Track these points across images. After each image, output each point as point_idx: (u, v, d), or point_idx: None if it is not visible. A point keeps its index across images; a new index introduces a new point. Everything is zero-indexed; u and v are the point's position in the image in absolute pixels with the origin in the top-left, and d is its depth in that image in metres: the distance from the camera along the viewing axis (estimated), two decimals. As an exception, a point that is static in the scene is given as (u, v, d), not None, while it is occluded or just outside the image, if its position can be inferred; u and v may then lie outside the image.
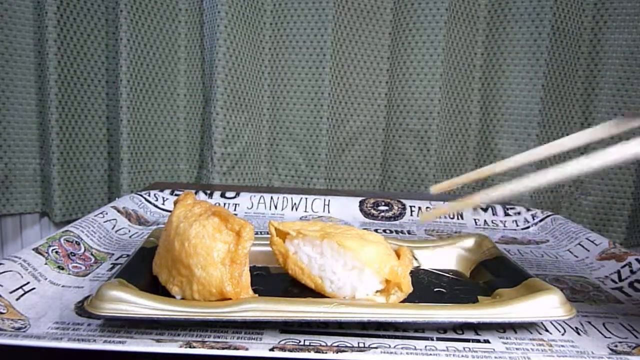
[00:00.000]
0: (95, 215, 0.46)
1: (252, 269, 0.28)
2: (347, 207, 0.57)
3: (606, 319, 0.31)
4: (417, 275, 0.36)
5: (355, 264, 0.30)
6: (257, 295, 0.28)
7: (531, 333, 0.28)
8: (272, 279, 0.34)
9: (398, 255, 0.31)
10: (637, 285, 0.36)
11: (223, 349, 0.23)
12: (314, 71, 0.83)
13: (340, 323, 0.28)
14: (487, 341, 0.27)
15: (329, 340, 0.27)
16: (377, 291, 0.30)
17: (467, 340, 0.27)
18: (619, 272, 0.38)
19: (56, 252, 0.36)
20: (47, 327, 0.27)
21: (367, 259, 0.29)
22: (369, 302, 0.29)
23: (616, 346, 0.27)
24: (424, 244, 0.39)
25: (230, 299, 0.27)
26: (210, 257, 0.27)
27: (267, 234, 0.48)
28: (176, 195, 0.57)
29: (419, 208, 0.58)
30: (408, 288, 0.30)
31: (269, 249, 0.36)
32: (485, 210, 0.57)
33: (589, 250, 0.44)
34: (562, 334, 0.29)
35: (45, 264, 0.34)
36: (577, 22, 0.82)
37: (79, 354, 0.23)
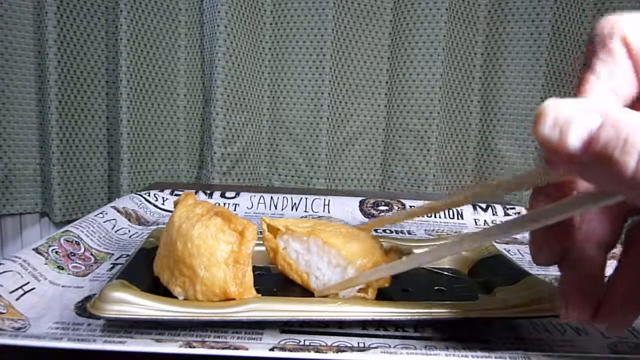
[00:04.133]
0: (95, 215, 0.46)
1: (253, 269, 0.28)
2: (347, 207, 0.57)
3: (606, 319, 0.31)
4: (416, 273, 0.36)
5: (339, 261, 0.29)
6: (259, 295, 0.28)
7: (531, 333, 0.28)
8: (273, 279, 0.34)
9: (387, 254, 0.31)
10: (637, 285, 0.36)
11: (223, 349, 0.23)
12: (314, 71, 0.83)
13: (340, 322, 0.28)
14: (487, 341, 0.27)
15: (329, 340, 0.27)
16: (360, 289, 0.30)
17: (467, 340, 0.27)
18: (619, 272, 0.38)
19: (56, 252, 0.36)
20: (47, 327, 0.27)
21: (350, 255, 0.29)
22: (356, 300, 0.29)
23: (616, 346, 0.27)
24: (423, 243, 0.39)
25: (233, 299, 0.27)
26: (214, 258, 0.27)
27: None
28: (176, 195, 0.57)
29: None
30: (383, 283, 0.30)
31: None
32: (485, 210, 0.57)
33: (589, 250, 0.44)
34: (562, 334, 0.29)
35: (45, 264, 0.34)
36: (577, 22, 0.82)
37: (79, 354, 0.23)
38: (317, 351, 0.23)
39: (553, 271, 0.40)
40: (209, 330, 0.27)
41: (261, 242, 0.36)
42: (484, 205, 0.58)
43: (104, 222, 0.45)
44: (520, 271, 0.32)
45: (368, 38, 0.84)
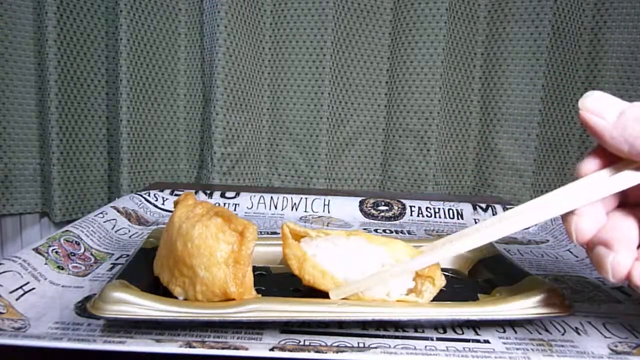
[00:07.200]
0: (95, 215, 0.46)
1: (253, 269, 0.28)
2: (347, 207, 0.57)
3: (606, 319, 0.31)
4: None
5: (387, 260, 0.28)
6: (260, 295, 0.28)
7: (531, 333, 0.28)
8: (273, 279, 0.34)
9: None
10: (637, 285, 0.36)
11: (223, 349, 0.23)
12: (314, 71, 0.83)
13: (340, 322, 0.28)
14: (487, 341, 0.27)
15: (329, 340, 0.27)
16: (408, 289, 0.29)
17: (467, 341, 0.27)
18: (619, 272, 0.38)
19: (56, 252, 0.36)
20: (47, 327, 0.27)
21: (400, 253, 0.28)
22: (402, 302, 0.28)
23: (616, 346, 0.27)
24: (423, 243, 0.39)
25: (233, 299, 0.27)
26: (214, 258, 0.27)
27: (268, 233, 0.48)
28: (176, 195, 0.57)
29: (419, 208, 0.58)
30: (441, 280, 0.29)
31: (270, 249, 0.37)
32: (485, 210, 0.57)
33: (589, 250, 0.44)
34: (562, 334, 0.29)
35: (45, 264, 0.34)
36: (577, 22, 0.82)
37: (79, 354, 0.24)
38: (317, 351, 0.23)
39: (553, 271, 0.40)
40: (209, 330, 0.27)
41: (261, 242, 0.35)
42: (483, 205, 0.58)
43: (104, 222, 0.45)
44: (520, 271, 0.32)
45: (368, 38, 0.84)
